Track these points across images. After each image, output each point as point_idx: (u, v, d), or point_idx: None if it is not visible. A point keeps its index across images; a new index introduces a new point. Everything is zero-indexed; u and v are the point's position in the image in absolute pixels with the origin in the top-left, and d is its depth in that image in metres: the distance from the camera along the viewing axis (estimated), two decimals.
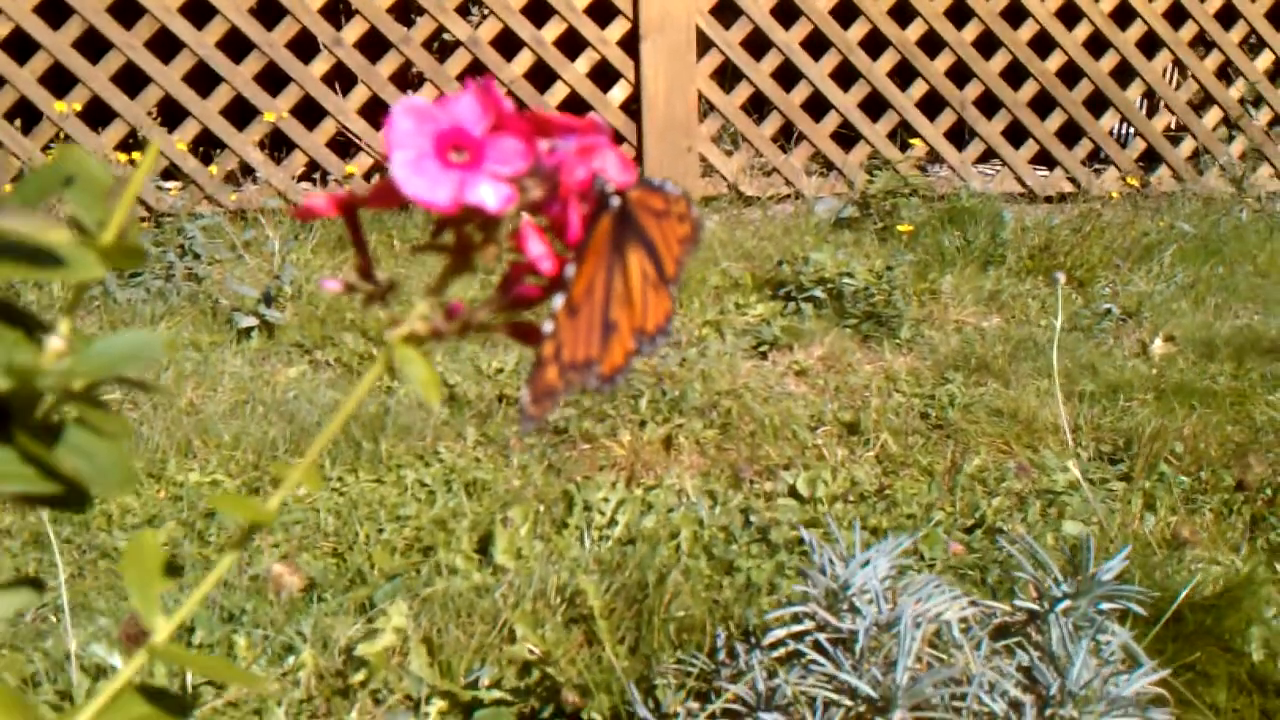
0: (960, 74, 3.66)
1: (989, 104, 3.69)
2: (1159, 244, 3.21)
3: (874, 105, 3.61)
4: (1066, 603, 0.93)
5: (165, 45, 3.12)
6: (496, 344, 2.40)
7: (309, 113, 3.24)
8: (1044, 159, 3.80)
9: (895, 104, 3.61)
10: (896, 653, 0.85)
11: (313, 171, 3.33)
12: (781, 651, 0.92)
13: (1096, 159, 3.92)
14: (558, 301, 0.36)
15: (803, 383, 2.35)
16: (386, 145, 0.35)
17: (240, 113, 3.21)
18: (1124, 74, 3.80)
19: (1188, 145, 3.91)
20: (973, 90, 3.66)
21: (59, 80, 3.09)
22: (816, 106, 3.57)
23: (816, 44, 3.53)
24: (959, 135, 3.69)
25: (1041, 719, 0.85)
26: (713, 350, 2.40)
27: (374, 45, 3.26)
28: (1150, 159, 3.92)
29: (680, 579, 1.41)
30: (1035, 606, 0.95)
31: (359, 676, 1.15)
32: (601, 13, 3.36)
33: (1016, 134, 3.73)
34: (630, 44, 3.39)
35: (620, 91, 3.42)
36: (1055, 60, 3.70)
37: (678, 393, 2.14)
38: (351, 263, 2.84)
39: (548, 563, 1.52)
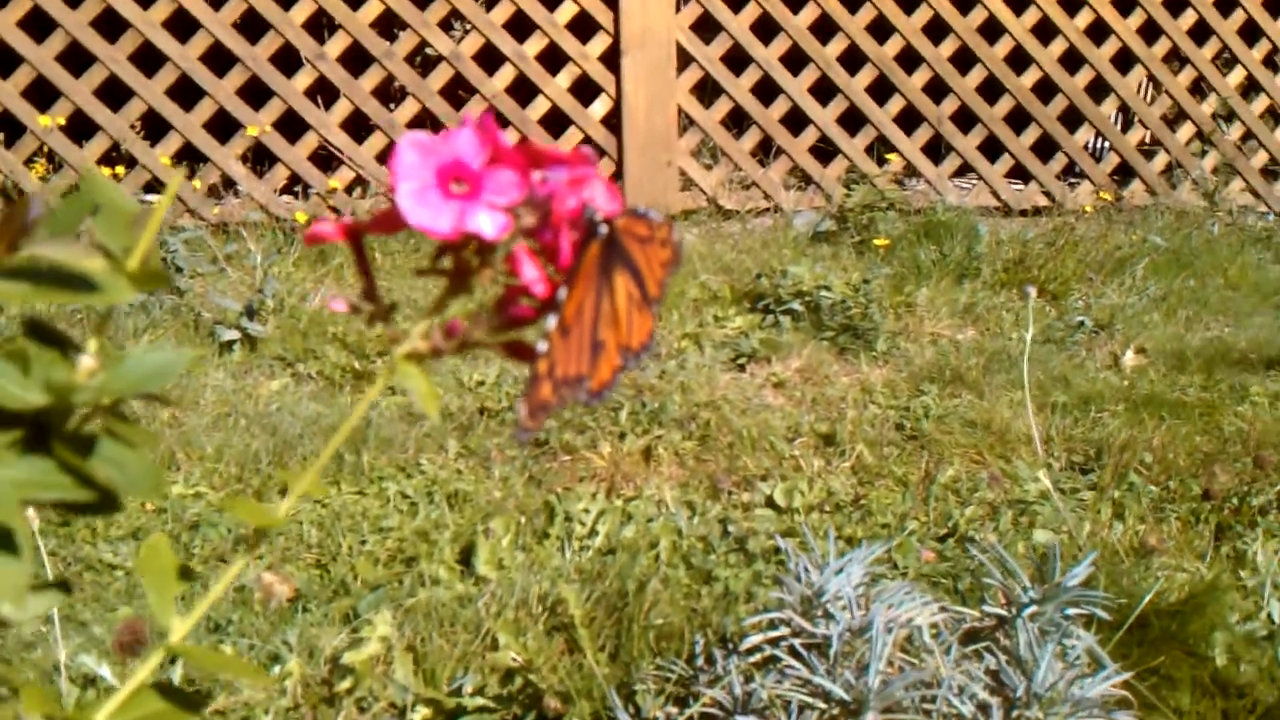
0: (937, 89, 3.71)
1: (965, 119, 3.73)
2: (1132, 257, 3.26)
3: (852, 120, 3.66)
4: (1033, 608, 0.96)
5: (149, 59, 3.14)
6: (478, 358, 2.42)
7: (291, 126, 3.26)
8: (1019, 173, 3.85)
9: (873, 119, 3.65)
10: (869, 657, 0.88)
11: (294, 185, 3.35)
12: (758, 657, 0.95)
13: (1071, 173, 3.97)
14: (551, 322, 0.38)
15: (780, 394, 2.38)
16: (392, 176, 0.37)
17: (223, 126, 3.23)
18: (1099, 90, 3.86)
19: (1161, 160, 3.96)
20: (949, 105, 3.71)
21: (42, 94, 3.10)
22: (795, 121, 3.61)
23: (795, 59, 3.58)
24: (935, 150, 3.74)
25: None
26: (692, 362, 2.43)
27: (357, 59, 3.29)
28: (1124, 173, 3.97)
29: (659, 588, 1.44)
30: (1003, 612, 0.98)
31: (345, 684, 1.17)
32: (583, 28, 3.40)
33: (992, 149, 3.78)
34: (611, 59, 3.42)
35: (601, 106, 3.46)
36: (1031, 76, 3.75)
37: (657, 405, 2.17)
38: (335, 277, 2.85)
39: (529, 572, 1.55)
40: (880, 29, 3.62)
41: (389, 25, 3.38)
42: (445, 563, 1.61)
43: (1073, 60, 3.79)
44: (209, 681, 1.14)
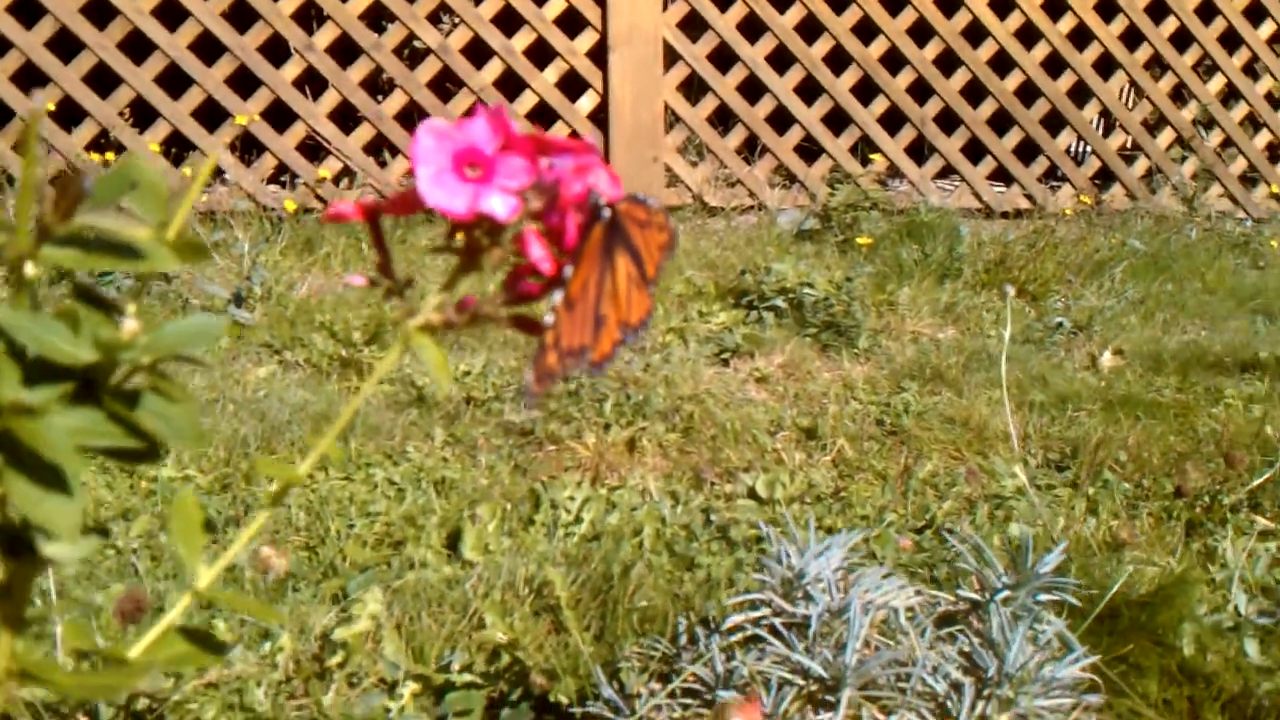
0: (921, 91, 3.75)
1: (949, 121, 3.77)
2: (1111, 260, 3.30)
3: (837, 120, 3.69)
4: (1006, 593, 1.00)
5: (137, 47, 3.15)
6: (464, 347, 2.45)
7: (280, 116, 3.28)
8: (1001, 175, 3.89)
9: (857, 119, 3.69)
10: (847, 637, 0.91)
11: (282, 174, 3.37)
12: (740, 636, 0.98)
13: (1053, 176, 4.02)
14: (558, 297, 0.42)
15: (763, 389, 2.41)
16: (412, 160, 0.40)
17: (211, 115, 3.25)
18: (1081, 94, 3.90)
19: (1141, 164, 4.01)
20: (933, 107, 3.75)
21: (31, 79, 3.11)
22: (780, 120, 3.65)
23: (781, 59, 3.61)
24: (919, 151, 3.78)
25: (980, 699, 0.91)
26: (676, 357, 2.46)
27: (345, 51, 3.31)
28: (1105, 177, 4.02)
29: (644, 572, 1.47)
30: (977, 597, 1.02)
31: (336, 659, 1.20)
32: (571, 24, 3.42)
33: (975, 151, 3.82)
34: (599, 55, 3.45)
35: (588, 101, 3.48)
36: (1014, 79, 3.79)
37: (641, 397, 2.20)
38: (322, 266, 2.87)
39: (515, 556, 1.58)
40: (865, 30, 3.66)
41: (378, 17, 3.40)
42: (432, 547, 1.64)
43: (1055, 64, 3.84)
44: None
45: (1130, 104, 4.04)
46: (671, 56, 3.51)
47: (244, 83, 3.24)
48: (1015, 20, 3.75)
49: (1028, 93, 3.84)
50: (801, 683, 0.91)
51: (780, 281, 2.74)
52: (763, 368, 2.49)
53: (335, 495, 1.86)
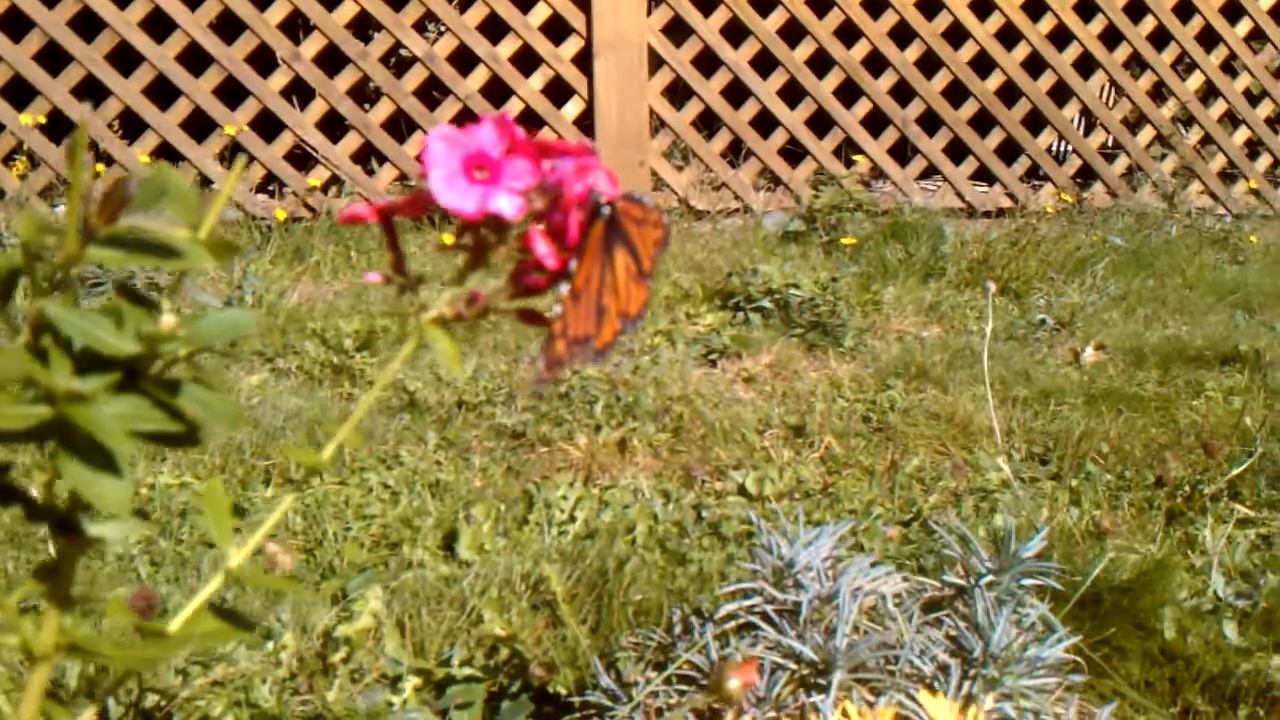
0: (903, 93, 3.78)
1: (931, 122, 3.81)
2: (1092, 257, 3.34)
3: (820, 122, 3.73)
4: (990, 578, 1.03)
5: (126, 59, 3.17)
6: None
7: (268, 126, 3.30)
8: (984, 175, 3.93)
9: (840, 122, 3.73)
10: (836, 622, 0.95)
11: (270, 183, 3.39)
12: (732, 624, 1.01)
13: (1034, 175, 4.06)
14: (564, 289, 0.45)
15: (751, 389, 2.44)
16: (424, 164, 0.43)
17: (199, 125, 3.27)
18: (1061, 94, 3.95)
19: (1122, 163, 4.06)
20: (915, 109, 3.79)
21: (20, 93, 3.13)
22: (764, 123, 3.68)
23: (765, 63, 3.65)
24: (902, 152, 3.82)
25: (966, 679, 0.94)
26: (664, 358, 2.50)
27: (332, 60, 3.33)
28: (1086, 175, 4.06)
29: (638, 567, 1.50)
30: (962, 582, 1.05)
31: (338, 656, 1.22)
32: (556, 30, 3.45)
33: (957, 151, 3.86)
34: (584, 61, 3.48)
35: (574, 107, 3.51)
36: (995, 80, 3.84)
37: (631, 399, 2.23)
38: (312, 275, 2.89)
39: (511, 555, 1.61)
40: (847, 33, 3.70)
41: (364, 26, 3.43)
42: (429, 548, 1.67)
43: (1036, 65, 3.88)
44: (208, 657, 1.19)
45: (1110, 103, 4.09)
46: (656, 61, 3.54)
47: (232, 93, 3.27)
48: (996, 21, 3.79)
49: (1009, 93, 3.88)
50: (793, 667, 0.94)
51: (766, 283, 2.78)
52: (750, 368, 2.52)
53: (330, 499, 1.88)
